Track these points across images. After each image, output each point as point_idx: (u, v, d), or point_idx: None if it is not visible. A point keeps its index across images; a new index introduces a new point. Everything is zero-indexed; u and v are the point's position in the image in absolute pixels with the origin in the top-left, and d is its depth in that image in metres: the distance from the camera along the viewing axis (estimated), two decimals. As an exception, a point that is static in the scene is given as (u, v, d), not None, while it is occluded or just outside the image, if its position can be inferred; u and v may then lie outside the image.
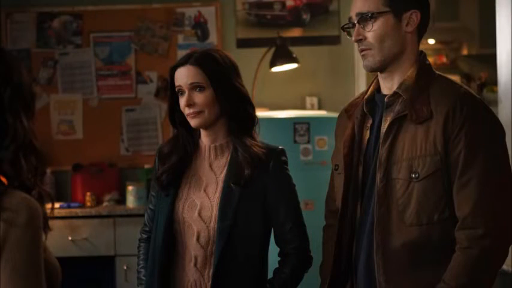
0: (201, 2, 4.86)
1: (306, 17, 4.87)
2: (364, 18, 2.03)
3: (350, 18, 2.09)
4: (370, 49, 2.04)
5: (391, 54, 2.05)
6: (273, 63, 4.62)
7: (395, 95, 2.05)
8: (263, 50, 4.70)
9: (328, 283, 2.13)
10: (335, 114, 2.42)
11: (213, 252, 2.20)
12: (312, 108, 4.81)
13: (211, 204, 2.23)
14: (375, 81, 2.16)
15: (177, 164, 2.29)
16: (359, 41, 2.06)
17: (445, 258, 1.95)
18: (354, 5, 2.07)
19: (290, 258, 2.26)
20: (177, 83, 2.24)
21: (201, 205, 2.24)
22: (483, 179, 1.93)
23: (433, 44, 7.19)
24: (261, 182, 2.22)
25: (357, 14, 2.05)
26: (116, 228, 4.44)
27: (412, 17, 2.04)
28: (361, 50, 2.06)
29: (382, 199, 2.00)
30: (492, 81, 5.87)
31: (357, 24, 2.05)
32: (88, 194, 4.57)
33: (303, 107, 4.82)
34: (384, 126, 2.05)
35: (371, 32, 2.03)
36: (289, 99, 4.83)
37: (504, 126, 2.03)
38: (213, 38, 4.85)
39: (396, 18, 2.03)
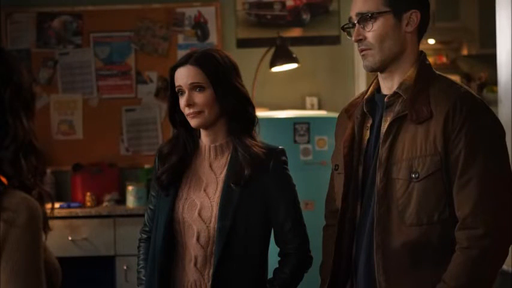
0: (201, 2, 4.86)
1: (306, 17, 4.87)
2: (364, 18, 2.03)
3: (350, 18, 2.09)
4: (370, 49, 2.04)
5: (391, 54, 2.04)
6: (273, 63, 4.62)
7: (395, 95, 2.05)
8: (263, 50, 4.70)
9: (328, 283, 2.13)
10: (335, 114, 2.43)
11: (213, 252, 2.20)
12: (312, 108, 4.81)
13: (211, 204, 2.23)
14: (375, 81, 2.16)
15: (177, 164, 2.28)
16: (359, 41, 2.06)
17: (445, 258, 1.95)
18: (354, 5, 2.07)
19: (290, 258, 2.26)
20: (177, 83, 2.24)
21: (201, 205, 2.24)
22: (483, 179, 1.93)
23: (433, 44, 7.19)
24: (261, 182, 2.22)
25: (357, 14, 2.05)
26: (116, 228, 4.43)
27: (412, 17, 2.04)
28: (361, 50, 2.06)
29: (382, 199, 2.00)
30: (492, 81, 5.87)
31: (357, 24, 2.05)
32: (88, 194, 4.57)
33: (303, 107, 4.82)
34: (384, 126, 2.05)
35: (371, 32, 2.03)
36: (289, 99, 4.83)
37: (504, 126, 2.03)
38: (213, 38, 4.85)
39: (396, 18, 2.03)
